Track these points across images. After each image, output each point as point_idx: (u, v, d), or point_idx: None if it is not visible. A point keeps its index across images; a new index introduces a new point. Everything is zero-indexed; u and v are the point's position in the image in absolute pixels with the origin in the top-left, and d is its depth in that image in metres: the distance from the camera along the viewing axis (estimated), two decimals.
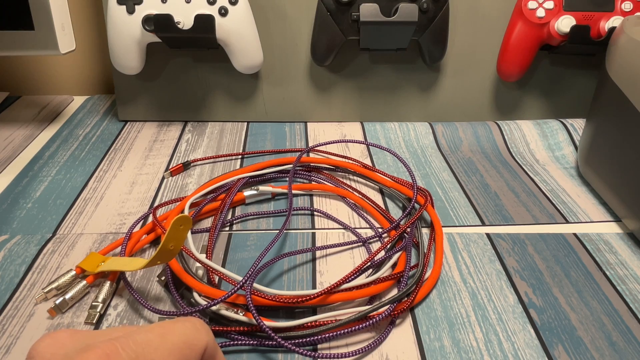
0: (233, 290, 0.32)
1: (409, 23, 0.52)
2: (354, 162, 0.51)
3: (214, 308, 0.33)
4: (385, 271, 0.37)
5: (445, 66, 0.61)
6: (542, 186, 0.50)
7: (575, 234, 0.43)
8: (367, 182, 0.50)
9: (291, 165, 0.49)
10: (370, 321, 0.32)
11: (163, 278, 0.36)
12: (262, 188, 0.46)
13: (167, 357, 0.21)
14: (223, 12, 0.52)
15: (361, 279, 0.35)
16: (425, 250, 0.39)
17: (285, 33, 0.59)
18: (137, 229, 0.42)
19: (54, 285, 0.35)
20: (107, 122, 0.62)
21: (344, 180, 0.50)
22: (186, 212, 0.41)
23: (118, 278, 0.37)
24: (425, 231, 0.43)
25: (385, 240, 0.42)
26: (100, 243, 0.41)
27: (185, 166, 0.52)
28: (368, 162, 0.54)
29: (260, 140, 0.58)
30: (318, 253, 0.40)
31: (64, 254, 0.40)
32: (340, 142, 0.53)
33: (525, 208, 0.47)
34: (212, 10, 0.52)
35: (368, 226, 0.44)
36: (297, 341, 0.32)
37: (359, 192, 0.47)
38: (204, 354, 0.22)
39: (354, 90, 0.62)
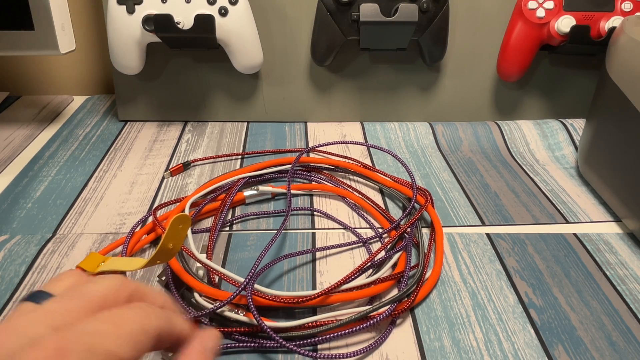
0: (236, 293, 0.32)
1: (409, 23, 0.52)
2: (354, 162, 0.51)
3: None
4: (385, 271, 0.37)
5: (445, 66, 0.61)
6: (542, 186, 0.50)
7: (575, 234, 0.43)
8: (367, 182, 0.50)
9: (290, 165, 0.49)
10: (371, 321, 0.32)
11: (164, 278, 0.36)
12: (262, 188, 0.46)
13: (124, 346, 0.20)
14: (223, 12, 0.52)
15: (361, 279, 0.35)
16: (425, 251, 0.39)
17: (285, 33, 0.59)
18: (138, 229, 0.42)
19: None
20: (107, 122, 0.62)
21: (344, 180, 0.50)
22: (186, 212, 0.41)
23: None
24: (425, 231, 0.43)
25: (386, 240, 0.42)
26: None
27: (185, 166, 0.52)
28: (368, 162, 0.54)
29: (260, 140, 0.58)
30: (318, 253, 0.40)
31: (64, 254, 0.40)
32: (340, 143, 0.53)
33: (525, 208, 0.47)
34: (212, 10, 0.52)
35: (368, 226, 0.44)
36: (297, 342, 0.32)
37: (359, 192, 0.47)
38: (158, 337, 0.22)
39: (354, 90, 0.62)
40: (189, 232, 0.39)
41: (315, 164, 0.51)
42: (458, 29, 0.59)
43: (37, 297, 0.23)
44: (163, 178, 0.50)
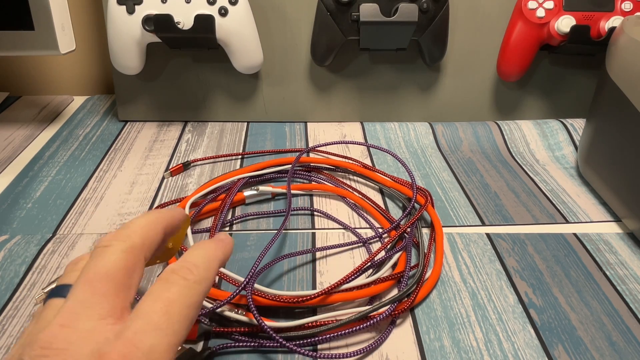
0: (236, 292, 0.32)
1: (409, 23, 0.52)
2: (354, 162, 0.51)
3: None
4: (385, 271, 0.37)
5: (445, 66, 0.61)
6: (542, 186, 0.50)
7: (575, 234, 0.43)
8: (367, 182, 0.50)
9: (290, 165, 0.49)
10: (371, 321, 0.32)
11: None
12: (262, 188, 0.46)
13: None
14: (223, 12, 0.52)
15: (361, 279, 0.35)
16: (425, 251, 0.39)
17: (285, 33, 0.59)
18: None
19: (54, 286, 0.35)
20: (107, 122, 0.62)
21: (344, 180, 0.50)
22: (186, 212, 0.41)
23: None
24: (425, 231, 0.43)
25: (386, 240, 0.42)
26: None
27: (185, 166, 0.52)
28: (368, 162, 0.54)
29: (260, 140, 0.58)
30: (318, 253, 0.40)
31: (64, 254, 0.40)
32: (340, 143, 0.53)
33: (525, 208, 0.47)
34: (212, 10, 0.52)
35: (368, 226, 0.44)
36: (297, 342, 0.32)
37: (359, 192, 0.47)
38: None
39: (354, 90, 0.62)
40: (189, 232, 0.39)
41: (315, 164, 0.51)
42: (458, 29, 0.59)
43: (61, 291, 0.23)
44: (163, 178, 0.50)
